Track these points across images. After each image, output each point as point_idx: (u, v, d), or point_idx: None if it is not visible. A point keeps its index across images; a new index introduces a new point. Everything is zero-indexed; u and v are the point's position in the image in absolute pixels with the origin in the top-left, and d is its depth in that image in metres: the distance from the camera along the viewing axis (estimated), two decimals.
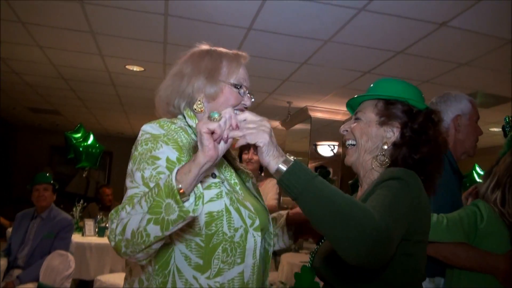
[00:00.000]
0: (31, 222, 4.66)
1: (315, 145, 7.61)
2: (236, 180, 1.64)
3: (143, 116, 9.00)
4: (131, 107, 8.48)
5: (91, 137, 7.47)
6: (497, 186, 2.11)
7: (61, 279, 4.23)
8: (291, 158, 1.31)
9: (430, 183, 1.58)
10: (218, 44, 1.77)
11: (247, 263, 1.54)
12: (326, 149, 7.58)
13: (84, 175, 8.02)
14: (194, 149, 1.52)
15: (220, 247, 1.49)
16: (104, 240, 5.84)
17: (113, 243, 1.33)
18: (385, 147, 1.59)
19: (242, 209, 1.55)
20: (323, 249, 1.63)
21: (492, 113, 6.67)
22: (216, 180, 1.53)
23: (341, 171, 7.73)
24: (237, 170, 1.75)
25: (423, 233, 1.50)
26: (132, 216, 1.28)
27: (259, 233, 1.57)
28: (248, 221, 1.55)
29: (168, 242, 1.50)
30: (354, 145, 1.66)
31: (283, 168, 1.27)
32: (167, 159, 1.47)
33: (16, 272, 4.34)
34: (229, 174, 1.63)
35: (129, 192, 1.43)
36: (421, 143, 1.55)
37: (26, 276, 4.25)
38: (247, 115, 1.29)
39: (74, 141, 7.36)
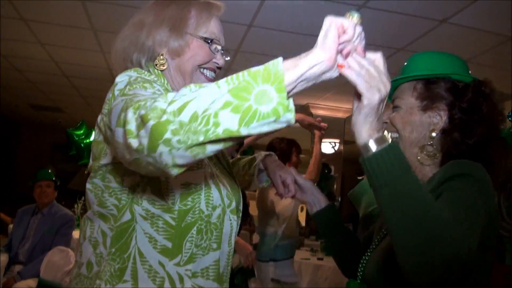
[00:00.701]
0: (32, 218, 4.67)
1: None
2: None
3: None
4: None
5: (93, 134, 7.47)
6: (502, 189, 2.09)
7: (62, 275, 4.23)
8: (389, 137, 1.04)
9: (494, 170, 1.30)
10: None
11: (223, 250, 1.32)
12: (327, 146, 7.58)
13: (86, 172, 8.02)
14: None
15: (195, 227, 1.25)
16: None
17: (152, 122, 0.87)
18: (434, 134, 1.34)
19: (221, 186, 1.32)
20: (377, 258, 1.35)
21: None
22: None
23: (342, 168, 7.73)
24: None
25: (494, 237, 1.25)
26: (200, 96, 0.88)
27: (235, 217, 1.36)
28: (226, 201, 1.32)
29: (128, 218, 1.24)
30: (396, 138, 1.40)
31: (374, 147, 1.01)
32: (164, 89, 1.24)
33: (17, 267, 4.35)
34: None
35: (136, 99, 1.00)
36: (474, 123, 1.32)
37: (27, 271, 4.26)
38: (379, 58, 1.02)
39: (76, 138, 7.36)
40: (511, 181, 2.06)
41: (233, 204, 1.35)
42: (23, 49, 5.38)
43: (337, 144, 7.60)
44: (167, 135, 0.86)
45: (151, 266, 1.21)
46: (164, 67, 1.35)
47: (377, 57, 1.01)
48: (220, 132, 0.86)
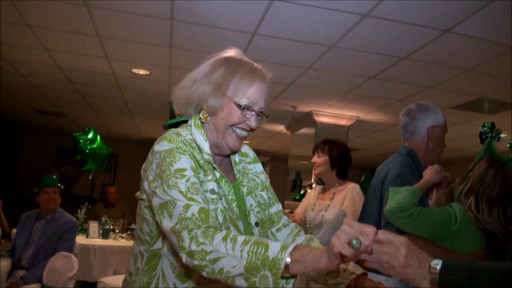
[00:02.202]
0: (36, 223, 4.68)
1: None
2: (234, 197, 1.60)
3: (149, 119, 9.05)
4: (137, 110, 8.52)
5: (98, 139, 7.49)
6: (470, 192, 2.15)
7: (65, 281, 4.25)
8: (436, 264, 1.21)
9: None
10: (222, 49, 1.70)
11: None
12: None
13: (90, 177, 8.06)
14: (204, 166, 1.53)
15: None
16: (107, 242, 5.87)
17: (196, 262, 1.30)
18: None
19: (232, 229, 1.52)
20: None
21: (497, 119, 6.65)
22: (214, 196, 1.50)
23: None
24: (239, 184, 1.68)
25: None
26: (229, 257, 1.26)
27: None
28: None
29: (159, 246, 1.56)
30: None
31: (436, 278, 1.19)
32: (192, 169, 1.46)
33: (20, 273, 4.36)
34: (228, 190, 1.59)
35: (180, 210, 1.39)
36: None
37: (29, 277, 4.27)
38: (382, 235, 1.20)
39: (82, 143, 7.39)
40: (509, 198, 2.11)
41: None
42: (28, 55, 5.41)
43: None
44: (203, 273, 1.30)
45: (168, 285, 1.53)
46: (206, 121, 1.60)
47: (379, 236, 1.19)
48: (234, 285, 1.26)
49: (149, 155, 1.54)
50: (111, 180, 12.24)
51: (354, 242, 1.13)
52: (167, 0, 3.64)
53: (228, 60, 1.61)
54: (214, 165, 1.58)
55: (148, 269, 1.56)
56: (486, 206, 2.09)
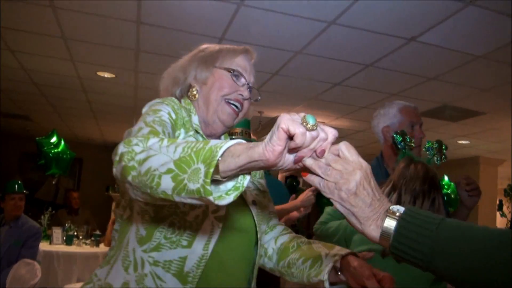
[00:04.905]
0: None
1: None
2: None
3: (114, 123, 8.95)
4: (101, 114, 8.41)
5: (62, 144, 7.39)
6: (393, 189, 2.15)
7: None
8: (396, 206, 0.94)
9: None
10: None
11: (194, 251, 1.35)
12: None
13: (53, 182, 7.94)
14: (187, 124, 1.47)
15: (168, 220, 1.35)
16: (71, 249, 5.79)
17: (124, 163, 1.07)
18: None
19: None
20: None
21: (459, 126, 6.82)
22: None
23: None
24: None
25: None
26: (161, 155, 1.02)
27: (220, 224, 1.38)
28: (212, 207, 1.37)
29: (128, 215, 1.44)
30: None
31: (391, 228, 0.92)
32: (169, 114, 1.39)
33: None
34: None
35: (132, 133, 1.25)
36: None
37: None
38: (344, 148, 0.98)
39: (45, 147, 7.27)
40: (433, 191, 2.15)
41: (221, 212, 1.39)
42: None
43: None
44: (129, 178, 1.05)
45: (127, 252, 1.37)
46: (196, 98, 1.55)
47: (341, 148, 0.98)
48: (159, 192, 1.00)
49: None
50: (75, 185, 12.05)
51: (309, 117, 0.90)
52: (133, 1, 3.62)
53: (209, 44, 1.65)
54: (204, 136, 1.53)
55: (119, 243, 1.43)
56: (410, 199, 2.09)
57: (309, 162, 0.95)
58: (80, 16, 3.94)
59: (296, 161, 0.95)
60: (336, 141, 0.99)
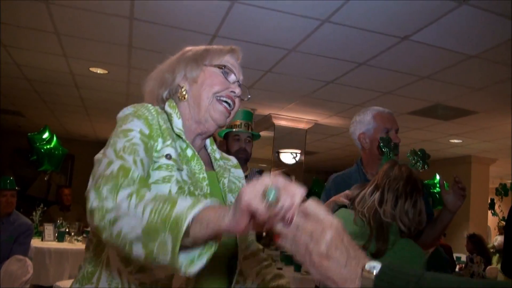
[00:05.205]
0: None
1: (278, 153, 7.67)
2: (205, 175, 1.42)
3: (106, 119, 8.92)
4: (94, 110, 8.39)
5: (54, 140, 7.35)
6: (376, 188, 2.17)
7: (19, 284, 4.15)
8: (372, 268, 0.85)
9: None
10: None
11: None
12: (288, 156, 7.65)
13: (46, 178, 7.90)
14: (165, 132, 1.38)
15: None
16: (63, 245, 5.77)
17: (95, 222, 1.09)
18: None
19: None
20: None
21: (452, 125, 6.85)
22: (171, 162, 1.33)
23: (303, 179, 7.80)
24: (219, 176, 1.55)
25: None
26: (129, 217, 1.03)
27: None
28: None
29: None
30: None
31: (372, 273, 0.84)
32: (141, 131, 1.31)
33: None
34: (199, 168, 1.42)
35: (102, 168, 1.20)
36: None
37: None
38: (312, 207, 0.90)
39: (37, 143, 7.23)
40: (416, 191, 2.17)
41: None
42: None
43: (298, 155, 7.67)
44: (103, 236, 1.08)
45: (110, 273, 1.31)
46: (185, 98, 1.48)
47: (309, 207, 0.89)
48: (132, 256, 1.03)
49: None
50: (68, 181, 12.01)
51: (270, 192, 0.85)
52: None
53: (193, 47, 1.62)
54: (187, 142, 1.45)
55: (94, 256, 1.36)
56: (392, 198, 2.11)
57: (279, 227, 0.90)
58: (73, 11, 3.92)
59: (266, 229, 0.92)
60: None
